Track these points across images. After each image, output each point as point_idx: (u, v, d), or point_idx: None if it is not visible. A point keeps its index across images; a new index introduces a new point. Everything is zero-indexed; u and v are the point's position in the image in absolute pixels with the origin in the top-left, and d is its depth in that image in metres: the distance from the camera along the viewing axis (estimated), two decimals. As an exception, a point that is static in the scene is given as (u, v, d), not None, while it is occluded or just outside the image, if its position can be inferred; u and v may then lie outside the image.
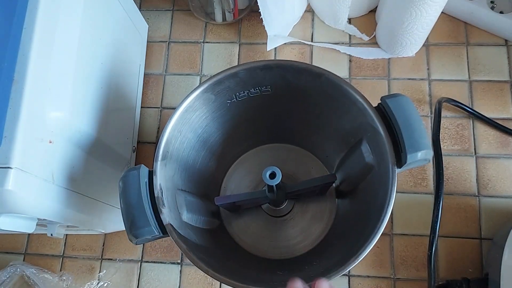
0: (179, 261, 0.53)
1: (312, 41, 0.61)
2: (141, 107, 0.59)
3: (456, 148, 0.55)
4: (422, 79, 0.58)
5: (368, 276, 0.51)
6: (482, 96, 0.56)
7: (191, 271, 0.53)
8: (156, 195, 0.35)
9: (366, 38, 0.60)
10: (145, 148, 0.58)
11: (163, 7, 0.65)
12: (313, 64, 0.58)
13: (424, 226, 0.52)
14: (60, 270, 0.54)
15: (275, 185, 0.40)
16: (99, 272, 0.54)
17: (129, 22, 0.54)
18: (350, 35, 0.61)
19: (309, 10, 0.62)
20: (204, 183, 0.48)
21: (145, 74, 0.61)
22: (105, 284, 0.52)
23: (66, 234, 0.56)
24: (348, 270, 0.33)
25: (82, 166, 0.41)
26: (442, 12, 0.53)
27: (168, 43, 0.63)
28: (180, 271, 0.53)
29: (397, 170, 0.35)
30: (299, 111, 0.45)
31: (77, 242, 0.55)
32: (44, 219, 0.38)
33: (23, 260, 0.55)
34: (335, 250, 0.43)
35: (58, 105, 0.37)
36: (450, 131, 0.55)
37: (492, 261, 0.46)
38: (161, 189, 0.36)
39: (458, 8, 0.58)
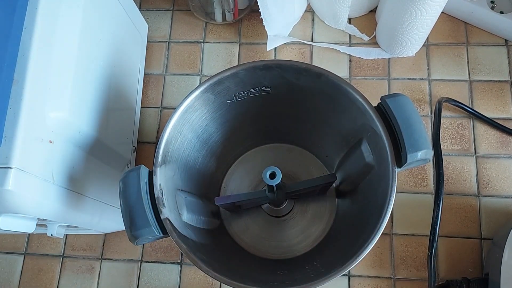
0: (179, 261, 0.53)
1: (312, 41, 0.61)
2: (141, 107, 0.59)
3: (456, 148, 0.55)
4: (422, 79, 0.58)
5: (368, 276, 0.51)
6: (482, 96, 0.56)
7: (191, 271, 0.53)
8: (156, 195, 0.35)
9: (366, 38, 0.60)
10: (145, 148, 0.58)
11: (163, 7, 0.65)
12: (313, 64, 0.58)
13: (424, 226, 0.52)
14: (60, 270, 0.54)
15: (275, 185, 0.40)
16: (99, 272, 0.54)
17: (129, 22, 0.54)
18: (350, 35, 0.61)
19: (309, 10, 0.62)
20: (204, 183, 0.47)
21: (145, 74, 0.61)
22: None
23: (66, 234, 0.56)
24: (348, 270, 0.33)
25: (82, 166, 0.41)
26: (442, 12, 0.53)
27: (168, 43, 0.63)
28: (180, 271, 0.53)
29: (397, 170, 0.35)
30: (299, 111, 0.45)
31: (77, 242, 0.55)
32: (44, 219, 0.38)
33: (23, 261, 0.55)
34: (335, 250, 0.43)
35: (58, 105, 0.37)
36: (450, 131, 0.55)
37: (492, 261, 0.46)
38: (161, 189, 0.35)
39: (458, 8, 0.58)
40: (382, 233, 0.34)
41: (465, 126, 0.55)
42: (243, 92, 0.42)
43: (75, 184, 0.40)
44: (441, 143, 0.51)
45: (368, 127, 0.37)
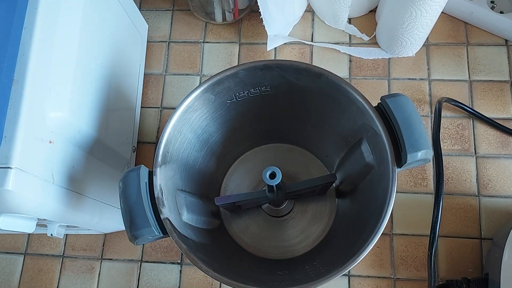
0: (179, 261, 0.53)
1: (312, 41, 0.61)
2: (141, 107, 0.59)
3: (456, 148, 0.55)
4: (422, 79, 0.58)
5: (368, 276, 0.51)
6: (482, 96, 0.56)
7: (191, 271, 0.53)
8: (156, 195, 0.35)
9: (366, 38, 0.60)
10: (145, 148, 0.58)
11: (163, 7, 0.65)
12: (313, 64, 0.58)
13: (424, 226, 0.52)
14: (60, 270, 0.54)
15: (275, 185, 0.40)
16: (99, 272, 0.54)
17: (129, 22, 0.54)
18: (350, 35, 0.61)
19: (309, 10, 0.62)
20: (204, 183, 0.47)
21: (145, 74, 0.61)
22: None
23: (66, 234, 0.56)
24: (348, 270, 0.33)
25: (82, 166, 0.41)
26: (442, 12, 0.53)
27: (168, 43, 0.63)
28: (180, 271, 0.53)
29: (397, 170, 0.35)
30: (299, 111, 0.45)
31: (77, 242, 0.55)
32: (44, 219, 0.38)
33: (23, 261, 0.55)
34: (335, 250, 0.43)
35: (58, 105, 0.37)
36: (450, 131, 0.55)
37: (492, 261, 0.46)
38: (161, 189, 0.35)
39: (458, 8, 0.58)
40: (382, 233, 0.34)
41: (465, 126, 0.55)
42: (243, 92, 0.42)
43: (75, 184, 0.40)
44: (441, 143, 0.51)
45: (368, 127, 0.37)
